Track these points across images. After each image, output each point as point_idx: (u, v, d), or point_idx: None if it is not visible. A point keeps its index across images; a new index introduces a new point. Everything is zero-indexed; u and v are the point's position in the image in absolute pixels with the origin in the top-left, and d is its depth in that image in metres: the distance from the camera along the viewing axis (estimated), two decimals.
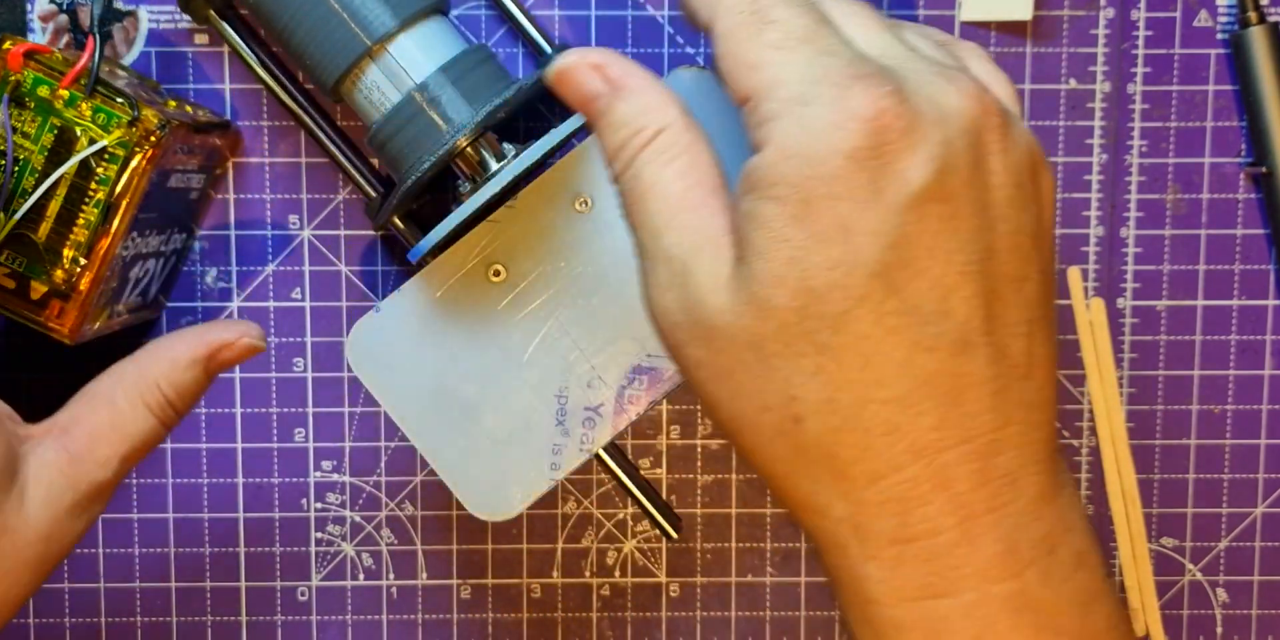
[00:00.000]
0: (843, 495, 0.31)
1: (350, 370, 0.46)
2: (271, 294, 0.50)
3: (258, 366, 0.50)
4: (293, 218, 0.50)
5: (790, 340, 0.30)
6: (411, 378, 0.45)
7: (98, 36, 0.42)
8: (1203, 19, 0.50)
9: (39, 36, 0.49)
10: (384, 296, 0.50)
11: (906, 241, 0.30)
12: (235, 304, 0.50)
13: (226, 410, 0.50)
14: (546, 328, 0.45)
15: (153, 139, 0.42)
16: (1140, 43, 0.50)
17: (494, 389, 0.45)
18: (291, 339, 0.50)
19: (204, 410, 0.50)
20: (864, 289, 0.30)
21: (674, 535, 0.49)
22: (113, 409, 0.39)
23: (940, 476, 0.30)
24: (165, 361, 0.40)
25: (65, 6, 0.49)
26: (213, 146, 0.48)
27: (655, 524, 0.48)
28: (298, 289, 0.50)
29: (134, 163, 0.42)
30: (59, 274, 0.43)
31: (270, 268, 0.50)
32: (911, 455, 0.30)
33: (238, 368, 0.50)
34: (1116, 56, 0.50)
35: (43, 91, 0.42)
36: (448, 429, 0.45)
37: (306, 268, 0.50)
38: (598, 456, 0.47)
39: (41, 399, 0.47)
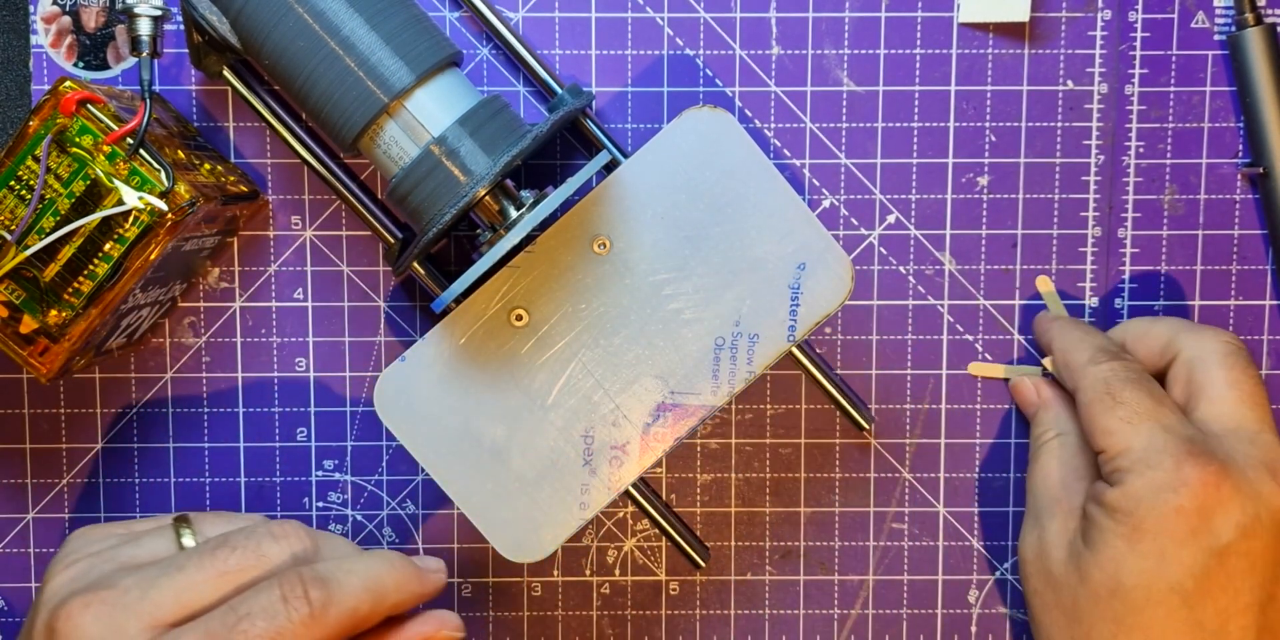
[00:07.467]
0: None
1: (378, 415, 0.46)
2: (274, 294, 0.50)
3: (260, 366, 0.50)
4: (295, 218, 0.50)
5: (1098, 606, 0.44)
6: (438, 424, 0.46)
7: (148, 101, 0.42)
8: (1200, 20, 0.50)
9: (41, 38, 0.49)
10: (387, 299, 0.50)
11: (1206, 575, 0.42)
12: (238, 304, 0.50)
13: (229, 410, 0.51)
14: (570, 369, 0.46)
15: (180, 214, 0.42)
16: (1138, 44, 0.50)
17: (520, 432, 0.46)
18: (294, 339, 0.50)
19: (207, 410, 0.51)
20: (1162, 597, 0.43)
21: (702, 565, 0.50)
22: None
23: None
24: None
25: (68, 8, 0.49)
26: (234, 215, 0.48)
27: (685, 555, 0.49)
28: (300, 289, 0.50)
29: (156, 232, 0.42)
30: (53, 315, 0.43)
31: (272, 268, 0.50)
32: None
33: (240, 368, 0.50)
34: (1114, 58, 0.50)
35: (86, 141, 0.42)
36: (476, 473, 0.46)
37: (309, 268, 0.50)
38: (626, 492, 0.47)
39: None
